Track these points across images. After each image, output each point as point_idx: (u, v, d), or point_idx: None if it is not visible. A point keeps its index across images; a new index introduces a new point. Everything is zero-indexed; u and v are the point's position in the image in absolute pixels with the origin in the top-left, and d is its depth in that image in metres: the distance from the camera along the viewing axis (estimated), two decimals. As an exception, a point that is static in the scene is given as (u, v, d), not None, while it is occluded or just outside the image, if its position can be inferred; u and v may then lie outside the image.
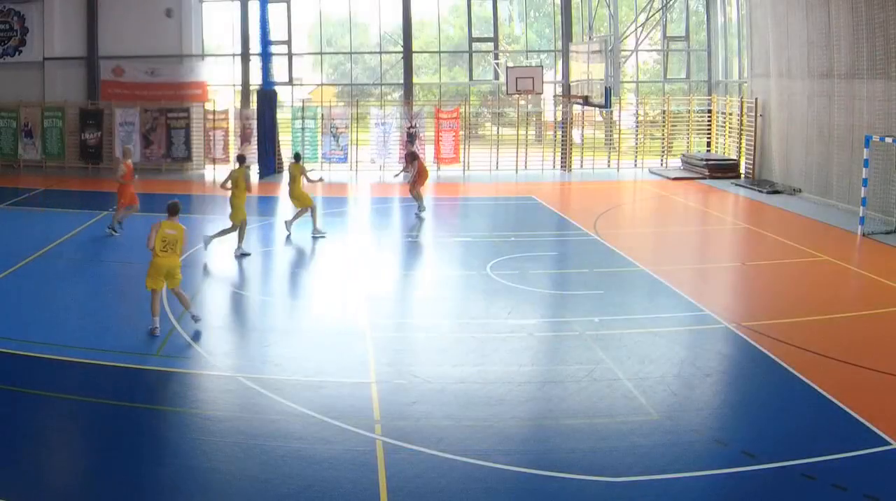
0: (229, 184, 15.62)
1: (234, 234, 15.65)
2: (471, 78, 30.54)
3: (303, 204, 17.44)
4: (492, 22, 29.80)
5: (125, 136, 27.72)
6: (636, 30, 25.45)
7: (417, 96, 29.60)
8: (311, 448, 7.94)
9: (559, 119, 29.52)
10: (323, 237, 17.29)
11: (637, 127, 30.33)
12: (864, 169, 18.12)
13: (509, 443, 8.19)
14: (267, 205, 22.15)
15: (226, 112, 28.29)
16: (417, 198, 19.76)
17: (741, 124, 27.14)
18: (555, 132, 30.11)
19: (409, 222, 19.66)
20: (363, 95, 30.91)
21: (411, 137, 25.56)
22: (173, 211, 11.23)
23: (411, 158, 20.08)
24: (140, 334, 11.02)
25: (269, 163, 27.31)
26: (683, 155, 29.22)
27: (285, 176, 22.02)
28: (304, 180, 17.46)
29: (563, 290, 13.97)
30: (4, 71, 27.74)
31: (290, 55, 28.93)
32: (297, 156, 18.12)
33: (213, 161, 28.22)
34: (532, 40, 33.30)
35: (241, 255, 15.44)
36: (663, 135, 29.84)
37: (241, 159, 16.30)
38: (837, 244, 17.23)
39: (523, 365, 10.30)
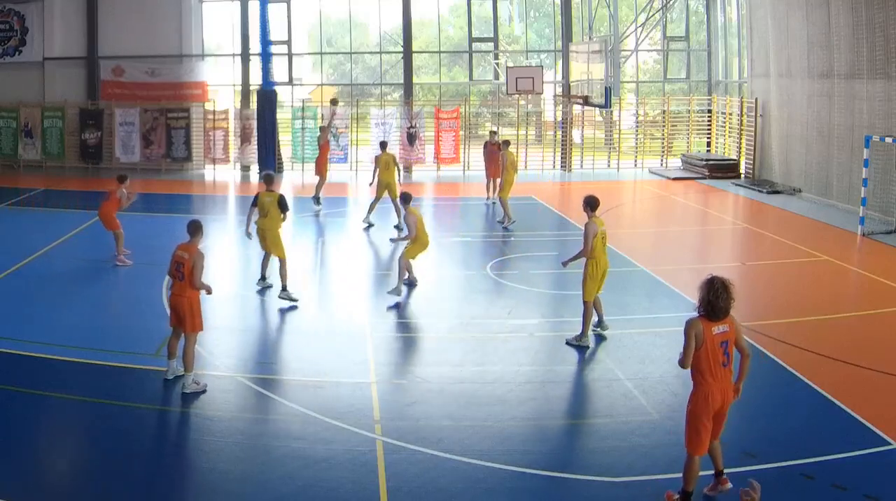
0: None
1: None
2: (471, 78, 30.53)
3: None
4: (492, 22, 29.79)
5: (125, 136, 27.74)
6: (636, 30, 25.45)
7: (417, 96, 29.58)
8: (311, 448, 7.94)
9: (559, 119, 29.51)
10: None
11: (637, 127, 30.32)
12: (864, 169, 18.12)
13: (509, 443, 8.19)
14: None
15: (226, 112, 28.28)
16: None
17: (741, 124, 27.13)
18: (555, 132, 30.09)
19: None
20: (363, 95, 30.90)
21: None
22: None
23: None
24: (140, 334, 11.02)
25: (269, 164, 27.29)
26: (683, 155, 29.20)
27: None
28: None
29: (563, 290, 13.93)
30: (4, 71, 27.74)
31: (290, 55, 28.91)
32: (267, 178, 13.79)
33: (213, 161, 28.24)
34: (532, 40, 33.30)
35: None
36: (663, 135, 29.82)
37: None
38: (837, 244, 17.22)
39: (523, 365, 10.30)
